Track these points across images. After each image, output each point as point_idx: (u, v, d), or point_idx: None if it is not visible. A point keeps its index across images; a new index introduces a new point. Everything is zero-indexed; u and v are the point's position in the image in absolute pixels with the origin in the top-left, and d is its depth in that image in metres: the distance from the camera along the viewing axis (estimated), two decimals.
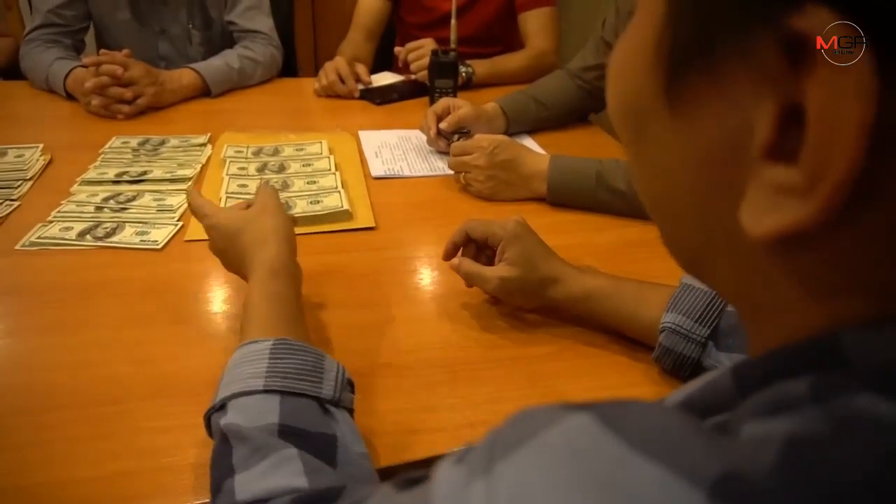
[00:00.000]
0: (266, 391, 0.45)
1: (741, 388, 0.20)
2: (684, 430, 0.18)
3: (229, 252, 0.63)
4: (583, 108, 1.24)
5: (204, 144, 1.11)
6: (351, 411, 0.50)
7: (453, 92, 1.28)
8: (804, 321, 0.20)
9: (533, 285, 0.66)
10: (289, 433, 0.43)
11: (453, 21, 1.31)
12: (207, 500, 0.46)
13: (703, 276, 0.25)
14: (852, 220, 0.18)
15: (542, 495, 0.17)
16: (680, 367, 0.59)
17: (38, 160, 1.02)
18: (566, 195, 0.92)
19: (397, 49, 1.45)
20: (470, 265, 0.68)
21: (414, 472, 0.25)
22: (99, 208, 0.89)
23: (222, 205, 0.88)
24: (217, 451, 0.45)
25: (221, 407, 0.46)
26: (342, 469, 0.44)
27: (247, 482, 0.41)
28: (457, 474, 0.19)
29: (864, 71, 0.16)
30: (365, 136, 1.19)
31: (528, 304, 0.69)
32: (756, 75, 0.18)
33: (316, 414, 0.46)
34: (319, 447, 0.44)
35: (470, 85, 1.43)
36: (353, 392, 0.51)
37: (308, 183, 0.97)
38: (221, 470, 0.43)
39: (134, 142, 1.11)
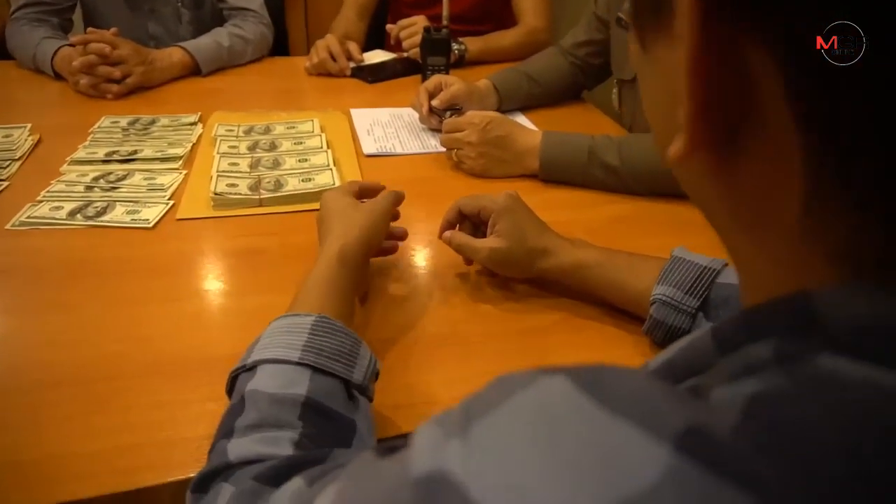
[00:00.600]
0: (299, 363, 0.46)
1: (719, 348, 0.21)
2: (654, 391, 0.18)
3: (324, 224, 0.64)
4: (575, 85, 1.24)
5: (194, 123, 1.11)
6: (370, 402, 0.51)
7: (445, 69, 1.27)
8: (776, 281, 0.21)
9: (523, 256, 0.66)
10: (312, 408, 0.44)
11: None
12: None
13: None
14: (741, 151, 0.21)
15: (516, 451, 0.18)
16: (670, 340, 0.59)
17: (26, 140, 1.01)
18: (558, 171, 0.92)
19: (389, 26, 1.44)
20: (461, 237, 0.68)
21: (395, 442, 0.25)
22: (89, 188, 0.88)
23: (212, 183, 0.87)
24: (230, 408, 0.46)
25: (252, 368, 0.47)
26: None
27: (239, 445, 0.42)
28: (434, 435, 0.20)
29: (690, 17, 0.19)
30: (357, 114, 1.18)
31: (521, 275, 0.69)
32: (664, 35, 0.23)
33: (341, 396, 0.47)
34: (338, 428, 0.45)
35: (462, 62, 1.42)
36: (375, 380, 0.52)
37: (300, 161, 0.96)
38: (224, 429, 0.44)
39: (123, 121, 1.10)
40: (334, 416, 0.45)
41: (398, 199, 0.68)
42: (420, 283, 0.73)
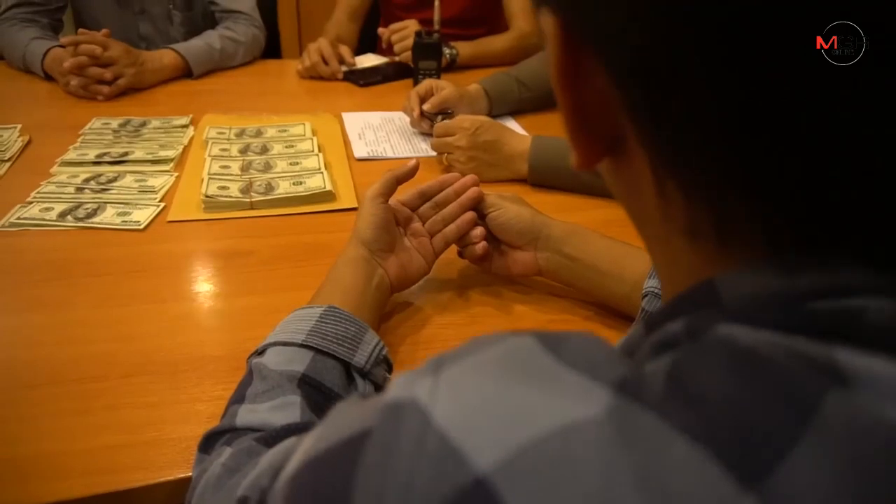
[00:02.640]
0: (303, 345, 0.50)
1: (645, 331, 0.23)
2: (606, 355, 0.21)
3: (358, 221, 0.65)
4: None
5: (186, 126, 1.11)
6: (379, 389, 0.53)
7: (437, 73, 1.27)
8: (690, 274, 0.24)
9: (529, 220, 0.67)
10: (309, 384, 0.48)
11: (437, 2, 1.30)
12: (188, 474, 0.47)
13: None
14: (623, 159, 0.24)
15: (477, 383, 0.20)
16: None
17: (16, 141, 1.01)
18: (547, 175, 0.93)
19: (381, 30, 1.44)
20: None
21: None
22: (79, 189, 0.88)
23: (203, 185, 0.88)
24: (241, 381, 0.50)
25: (262, 352, 0.51)
26: None
27: (248, 412, 0.46)
28: (406, 378, 0.22)
29: (555, 41, 0.23)
30: (348, 117, 1.19)
31: (518, 241, 0.68)
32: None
33: (340, 376, 0.50)
34: (330, 403, 0.47)
35: (454, 66, 1.42)
36: (389, 372, 0.55)
37: (291, 164, 0.97)
38: (236, 396, 0.48)
39: (114, 123, 1.10)
40: (332, 396, 0.48)
41: (384, 185, 0.65)
42: (412, 288, 0.73)
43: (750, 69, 0.18)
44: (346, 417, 0.23)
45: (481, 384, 0.20)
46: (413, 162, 0.68)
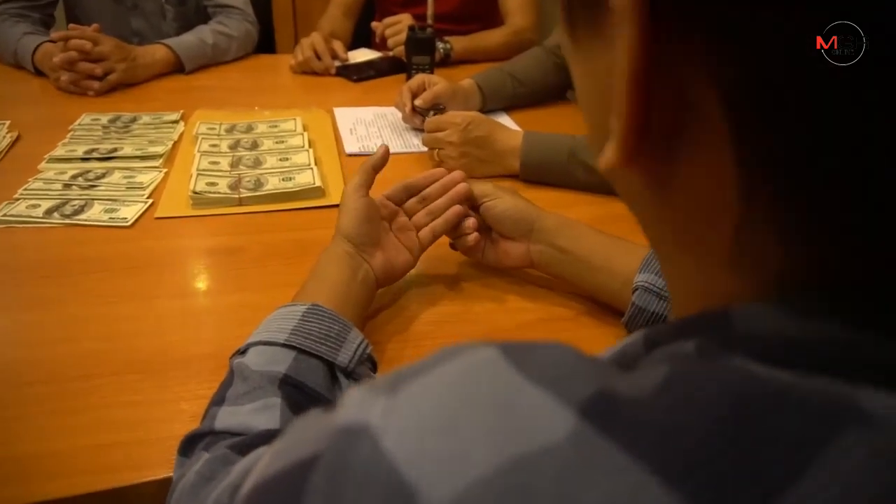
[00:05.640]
0: (285, 345, 0.49)
1: (645, 347, 0.22)
2: (577, 365, 0.19)
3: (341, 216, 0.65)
4: (559, 85, 1.24)
5: (176, 121, 1.10)
6: None
7: (430, 69, 1.27)
8: (704, 296, 0.22)
9: (525, 210, 0.67)
10: (291, 385, 0.47)
11: None
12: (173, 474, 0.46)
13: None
14: (676, 168, 0.21)
15: (430, 407, 0.19)
16: None
17: (4, 137, 1.00)
18: (539, 171, 0.92)
19: (374, 24, 1.44)
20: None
21: None
22: (67, 186, 0.87)
23: (192, 181, 0.87)
24: (222, 382, 0.49)
25: (244, 351, 0.50)
26: None
27: (229, 414, 0.45)
28: (363, 394, 0.20)
29: (635, 24, 0.18)
30: (340, 112, 1.18)
31: (512, 232, 0.68)
32: (596, 33, 0.22)
33: (323, 376, 0.49)
34: (312, 404, 0.46)
35: (448, 61, 1.42)
36: (374, 371, 0.54)
37: (281, 160, 0.96)
38: (217, 397, 0.48)
39: (104, 119, 1.09)
40: (314, 396, 0.47)
41: (363, 176, 0.65)
42: (400, 284, 0.73)
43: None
44: (300, 437, 0.22)
45: (437, 408, 0.18)
46: (382, 148, 0.67)
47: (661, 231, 0.24)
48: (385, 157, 0.67)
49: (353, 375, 0.51)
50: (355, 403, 0.20)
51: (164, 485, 0.48)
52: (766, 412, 0.16)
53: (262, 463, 0.22)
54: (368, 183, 0.65)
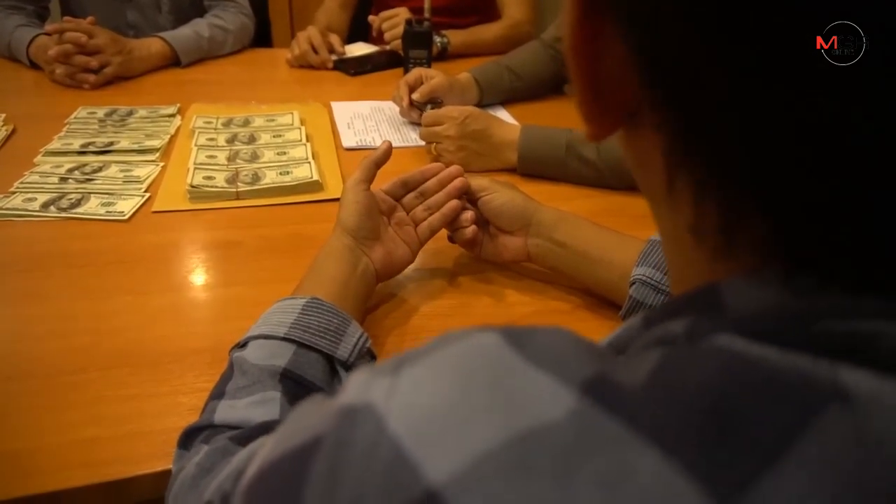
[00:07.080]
0: (285, 339, 0.49)
1: (644, 326, 0.22)
2: (577, 349, 0.20)
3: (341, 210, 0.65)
4: (556, 78, 1.24)
5: (173, 115, 1.09)
6: None
7: (427, 62, 1.26)
8: (698, 275, 0.22)
9: (522, 205, 0.67)
10: (291, 379, 0.47)
11: None
12: (168, 467, 0.47)
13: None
14: (637, 132, 0.23)
15: (433, 386, 0.19)
16: None
17: None
18: (536, 165, 0.92)
19: (371, 18, 1.43)
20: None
21: None
22: (63, 179, 0.87)
23: (189, 175, 0.87)
24: (222, 376, 0.49)
25: (244, 344, 0.50)
26: None
27: (228, 408, 0.45)
28: (365, 376, 0.21)
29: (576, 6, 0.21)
30: (337, 106, 1.18)
31: (510, 226, 0.68)
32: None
33: (322, 370, 0.49)
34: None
35: (445, 55, 1.41)
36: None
37: (278, 154, 0.96)
38: (216, 390, 0.48)
39: (100, 112, 1.08)
40: (314, 391, 0.47)
41: (364, 171, 0.65)
42: (399, 278, 0.73)
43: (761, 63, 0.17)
44: (303, 421, 0.22)
45: (440, 387, 0.19)
46: (385, 144, 0.67)
47: (647, 196, 0.25)
48: (388, 153, 0.67)
49: (352, 369, 0.51)
50: (358, 385, 0.20)
51: (158, 478, 0.48)
52: (752, 394, 0.17)
53: (265, 449, 0.23)
54: (370, 178, 0.65)
